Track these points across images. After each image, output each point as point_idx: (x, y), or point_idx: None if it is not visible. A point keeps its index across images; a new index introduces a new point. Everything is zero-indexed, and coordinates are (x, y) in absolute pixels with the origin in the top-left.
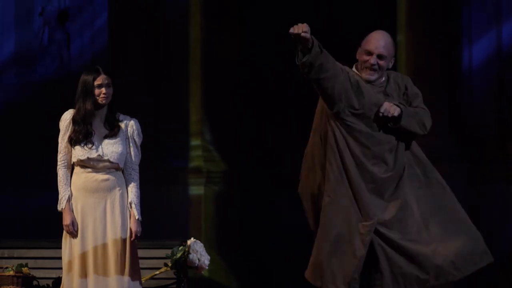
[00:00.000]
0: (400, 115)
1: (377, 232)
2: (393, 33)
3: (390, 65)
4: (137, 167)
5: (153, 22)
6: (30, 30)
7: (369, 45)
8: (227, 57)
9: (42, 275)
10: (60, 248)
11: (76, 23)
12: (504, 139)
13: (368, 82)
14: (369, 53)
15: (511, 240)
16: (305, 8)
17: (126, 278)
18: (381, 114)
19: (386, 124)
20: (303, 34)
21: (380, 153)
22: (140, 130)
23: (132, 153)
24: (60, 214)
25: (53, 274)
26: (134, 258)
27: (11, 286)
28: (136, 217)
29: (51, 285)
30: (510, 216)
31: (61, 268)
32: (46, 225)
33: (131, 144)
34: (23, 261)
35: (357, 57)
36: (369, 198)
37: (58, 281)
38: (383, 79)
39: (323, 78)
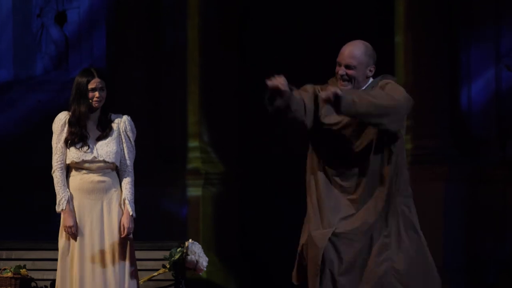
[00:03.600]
0: (340, 96)
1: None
2: (391, 34)
3: (369, 73)
4: (131, 163)
5: (153, 22)
6: (28, 31)
7: (339, 56)
8: (227, 58)
9: (40, 277)
10: (58, 249)
11: (74, 21)
12: (504, 139)
13: None
14: (339, 65)
15: (511, 240)
16: (304, 8)
17: (124, 277)
18: (321, 100)
19: (336, 113)
20: (281, 88)
21: (344, 172)
22: (133, 125)
23: (126, 149)
24: (58, 216)
25: (51, 275)
26: (132, 258)
27: None
28: (130, 213)
29: (49, 287)
30: (509, 216)
31: None
32: (45, 226)
33: (124, 140)
34: (21, 263)
35: None
36: (329, 211)
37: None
38: (363, 88)
39: (297, 113)
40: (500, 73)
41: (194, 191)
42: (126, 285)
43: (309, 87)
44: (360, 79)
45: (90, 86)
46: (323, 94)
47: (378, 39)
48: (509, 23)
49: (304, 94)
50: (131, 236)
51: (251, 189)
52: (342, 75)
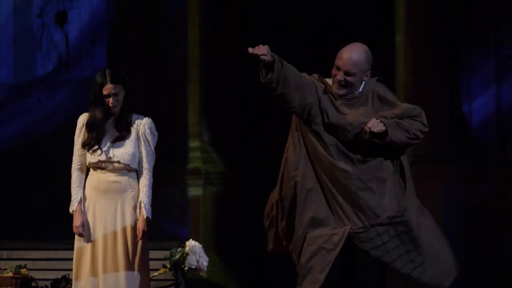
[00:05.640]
0: (385, 132)
1: (351, 241)
2: (392, 34)
3: (365, 79)
4: (149, 167)
5: (153, 22)
6: (29, 31)
7: (339, 61)
8: (227, 58)
9: (40, 277)
10: (59, 249)
11: (74, 21)
12: (504, 139)
13: (339, 95)
14: (338, 68)
15: (510, 240)
16: (304, 8)
17: (136, 279)
18: (368, 129)
19: (371, 140)
20: (262, 57)
21: (346, 165)
22: (153, 128)
23: (144, 152)
24: (58, 216)
25: (52, 275)
26: (144, 260)
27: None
28: (145, 216)
29: (49, 287)
30: (509, 216)
31: (59, 270)
32: (45, 226)
33: (142, 143)
34: (22, 263)
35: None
36: (343, 204)
37: (56, 282)
38: (357, 93)
39: (288, 91)
40: (500, 74)
41: (194, 191)
42: (137, 282)
43: (307, 78)
44: (356, 84)
45: (104, 92)
46: (371, 125)
47: (378, 39)
48: (509, 23)
49: (309, 89)
50: (146, 238)
51: (251, 189)
52: (340, 81)
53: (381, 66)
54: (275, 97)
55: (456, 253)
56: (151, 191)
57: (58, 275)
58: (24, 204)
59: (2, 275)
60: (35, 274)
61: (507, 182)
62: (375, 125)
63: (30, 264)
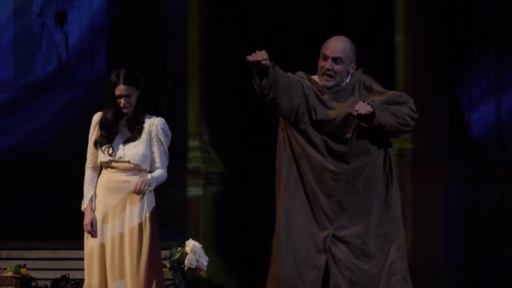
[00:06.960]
0: (373, 114)
1: (333, 243)
2: (391, 34)
3: (351, 70)
4: (163, 165)
5: (153, 22)
6: (29, 31)
7: (325, 50)
8: (227, 58)
9: (40, 276)
10: (58, 249)
11: (74, 21)
12: (504, 139)
13: (327, 88)
14: (325, 58)
15: (510, 240)
16: (304, 8)
17: (143, 279)
18: (355, 113)
19: (359, 125)
20: (263, 62)
21: (335, 164)
22: (166, 129)
23: (157, 152)
24: (58, 216)
25: (52, 275)
26: (152, 261)
27: (10, 287)
28: (148, 177)
29: (49, 286)
30: (509, 216)
31: (59, 269)
32: (45, 226)
33: (155, 144)
34: (22, 262)
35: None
36: (326, 207)
37: (56, 282)
38: (344, 84)
39: (278, 96)
40: (500, 74)
41: (194, 191)
42: (145, 284)
43: (293, 77)
44: (343, 74)
45: (116, 92)
46: (358, 108)
47: (378, 39)
48: (509, 23)
49: (295, 88)
50: (155, 237)
51: (251, 189)
52: (328, 69)
53: (381, 66)
54: (264, 103)
55: (456, 253)
56: (162, 177)
57: (58, 274)
58: (24, 204)
59: (2, 275)
60: (35, 274)
61: (507, 182)
62: (362, 107)
63: (30, 263)
